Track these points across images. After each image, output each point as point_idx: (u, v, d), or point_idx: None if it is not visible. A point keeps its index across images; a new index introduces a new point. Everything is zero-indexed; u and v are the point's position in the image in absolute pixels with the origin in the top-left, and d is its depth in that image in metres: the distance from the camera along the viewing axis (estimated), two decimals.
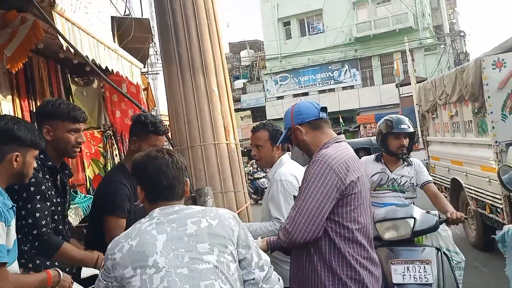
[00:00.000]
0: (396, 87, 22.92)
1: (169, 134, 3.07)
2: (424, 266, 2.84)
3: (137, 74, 5.11)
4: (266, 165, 3.10)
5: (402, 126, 3.54)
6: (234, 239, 1.77)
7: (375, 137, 4.08)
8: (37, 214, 2.18)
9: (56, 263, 2.21)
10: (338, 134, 2.45)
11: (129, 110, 6.30)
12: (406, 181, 3.58)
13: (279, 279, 1.87)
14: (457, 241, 3.84)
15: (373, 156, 3.78)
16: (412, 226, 3.03)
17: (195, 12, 3.16)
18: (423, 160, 6.39)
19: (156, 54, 14.94)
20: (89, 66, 3.45)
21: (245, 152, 19.41)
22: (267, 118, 26.44)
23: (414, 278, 2.83)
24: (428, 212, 3.17)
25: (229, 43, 36.56)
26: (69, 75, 5.77)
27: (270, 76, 31.92)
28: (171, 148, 2.81)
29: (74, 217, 4.32)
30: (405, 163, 3.62)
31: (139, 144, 2.72)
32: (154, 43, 9.80)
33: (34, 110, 4.71)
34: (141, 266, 1.64)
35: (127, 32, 5.86)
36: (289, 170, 2.92)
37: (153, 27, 7.25)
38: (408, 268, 2.86)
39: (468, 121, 5.98)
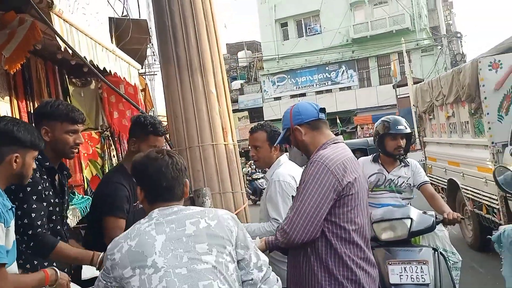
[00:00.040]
0: (393, 88, 22.99)
1: (167, 135, 3.08)
2: (421, 267, 2.86)
3: (135, 75, 5.11)
4: (264, 166, 3.11)
5: (399, 127, 3.56)
6: (233, 239, 1.77)
7: (371, 138, 4.10)
8: (33, 215, 2.17)
9: (54, 264, 2.22)
10: (336, 135, 2.46)
11: (127, 111, 6.30)
12: (403, 181, 3.59)
13: (277, 280, 1.89)
14: (454, 241, 3.86)
15: (370, 157, 3.79)
16: (409, 226, 3.04)
17: (193, 13, 3.17)
18: (420, 161, 6.42)
19: (154, 55, 14.92)
20: (87, 67, 3.45)
21: (243, 153, 19.43)
22: (265, 119, 26.48)
23: (411, 278, 2.84)
24: (424, 212, 3.18)
25: (226, 44, 36.57)
26: (66, 76, 5.76)
27: (268, 77, 31.94)
28: (170, 149, 2.81)
29: (71, 218, 4.31)
30: (402, 164, 3.63)
31: (139, 145, 2.72)
32: (152, 44, 9.81)
33: (32, 111, 4.71)
34: (140, 266, 1.65)
35: (125, 33, 5.86)
36: (287, 170, 2.93)
37: (150, 28, 7.26)
38: (405, 268, 2.87)
39: (465, 122, 6.01)
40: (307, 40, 30.70)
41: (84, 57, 3.31)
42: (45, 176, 2.31)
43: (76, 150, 2.49)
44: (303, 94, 30.47)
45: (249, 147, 3.24)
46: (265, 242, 2.32)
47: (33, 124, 2.41)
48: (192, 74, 3.12)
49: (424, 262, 2.87)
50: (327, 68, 30.41)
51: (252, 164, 14.69)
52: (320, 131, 2.34)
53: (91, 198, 5.10)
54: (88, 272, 2.24)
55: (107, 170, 6.10)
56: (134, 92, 6.02)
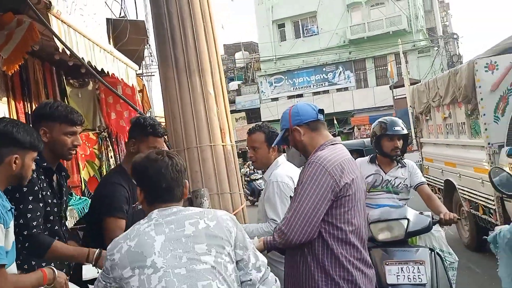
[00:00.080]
0: (390, 89, 23.03)
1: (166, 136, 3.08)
2: (418, 267, 2.87)
3: (133, 76, 5.11)
4: (262, 167, 3.12)
5: (396, 128, 3.57)
6: (232, 240, 1.78)
7: (368, 139, 4.12)
8: (29, 215, 2.18)
9: (52, 264, 2.22)
10: (333, 136, 2.47)
11: (124, 112, 6.29)
12: (400, 182, 3.61)
13: (276, 280, 1.89)
14: (451, 242, 3.88)
15: (367, 158, 3.81)
16: (405, 227, 3.06)
17: (191, 14, 3.18)
18: (416, 162, 6.43)
19: (151, 55, 14.92)
20: (85, 68, 3.46)
21: (240, 153, 19.44)
22: (262, 120, 26.50)
23: (408, 278, 2.86)
24: (421, 213, 3.20)
25: (224, 44, 36.59)
26: (64, 77, 5.75)
27: (265, 78, 31.96)
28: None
29: (69, 219, 4.31)
30: (399, 165, 3.65)
31: (138, 146, 2.73)
32: (149, 45, 9.81)
33: (29, 112, 4.71)
34: (140, 267, 1.65)
35: (123, 34, 5.87)
36: (285, 171, 2.94)
37: (148, 29, 7.26)
38: (402, 268, 2.89)
39: (461, 123, 6.04)
40: (304, 41, 30.74)
41: (82, 58, 3.31)
42: (42, 177, 2.31)
43: (74, 152, 2.50)
44: (300, 95, 30.50)
45: (247, 148, 3.25)
46: (263, 242, 2.32)
47: (31, 125, 2.41)
48: (190, 75, 3.13)
49: (421, 263, 2.89)
50: (324, 69, 30.45)
51: (251, 165, 14.69)
52: (318, 132, 2.35)
53: (88, 199, 5.11)
54: (89, 272, 2.24)
55: (104, 171, 6.10)
56: (131, 93, 6.01)
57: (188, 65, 3.13)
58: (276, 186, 2.85)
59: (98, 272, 2.22)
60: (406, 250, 3.03)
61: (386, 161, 3.66)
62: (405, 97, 16.32)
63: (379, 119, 3.77)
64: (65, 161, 3.17)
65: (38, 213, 2.23)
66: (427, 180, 5.74)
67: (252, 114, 31.60)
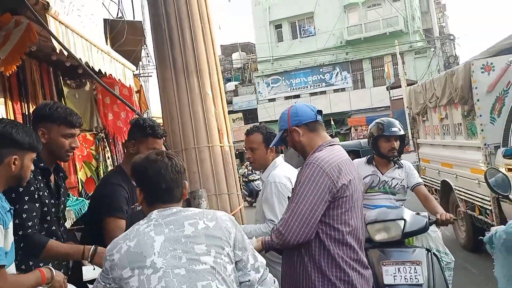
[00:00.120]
0: (387, 89, 23.06)
1: None
2: (415, 267, 2.89)
3: (130, 76, 5.11)
4: (260, 168, 3.13)
5: (393, 129, 3.59)
6: (231, 241, 1.79)
7: (364, 139, 4.13)
8: (24, 215, 2.18)
9: (50, 264, 2.22)
10: (330, 136, 2.48)
11: (122, 113, 6.29)
12: (397, 183, 3.62)
13: (274, 281, 1.90)
14: (447, 242, 3.89)
15: (364, 159, 3.82)
16: (402, 227, 3.08)
17: (189, 15, 3.19)
18: (413, 163, 6.46)
19: (148, 56, 14.89)
20: (82, 69, 3.45)
21: (237, 154, 19.44)
22: (259, 120, 26.51)
23: (405, 278, 2.87)
24: (418, 213, 3.21)
25: (221, 45, 36.54)
26: (61, 78, 5.75)
27: (262, 79, 31.96)
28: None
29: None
30: (396, 166, 3.66)
31: (138, 147, 2.73)
32: (146, 46, 9.79)
33: (27, 113, 4.70)
34: (139, 267, 1.66)
35: (120, 34, 5.87)
36: (282, 172, 2.95)
37: (145, 29, 7.26)
38: (399, 269, 2.90)
39: (458, 123, 6.06)
40: (301, 41, 30.76)
41: (80, 59, 3.31)
42: (39, 177, 2.31)
43: (71, 154, 2.50)
44: (298, 96, 30.51)
45: (244, 149, 3.26)
46: (261, 242, 2.33)
47: (31, 125, 2.42)
48: (188, 76, 3.14)
49: (418, 263, 2.91)
50: (321, 69, 30.48)
51: (249, 166, 14.69)
52: (317, 133, 2.36)
53: (85, 200, 5.10)
54: (89, 273, 2.24)
55: (101, 172, 6.10)
56: (129, 94, 6.01)
57: (186, 66, 3.14)
58: (274, 187, 2.86)
59: (94, 269, 2.23)
60: (403, 250, 3.04)
61: (383, 162, 3.67)
62: (402, 98, 16.32)
63: (376, 120, 3.78)
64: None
65: (34, 214, 2.23)
66: (424, 181, 5.75)
67: (249, 115, 31.60)
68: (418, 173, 4.16)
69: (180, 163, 1.87)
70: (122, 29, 5.86)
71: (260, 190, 3.25)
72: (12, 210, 1.84)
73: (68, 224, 4.32)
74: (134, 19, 7.65)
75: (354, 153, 9.20)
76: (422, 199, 3.59)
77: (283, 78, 31.30)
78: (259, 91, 32.00)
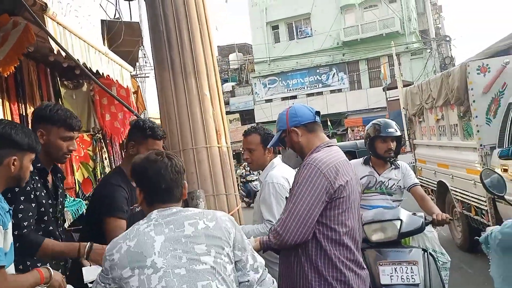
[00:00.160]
0: (383, 90, 23.11)
1: None
2: (411, 267, 2.91)
3: (127, 77, 5.11)
4: (258, 168, 3.14)
5: (390, 130, 3.61)
6: (231, 241, 1.80)
7: (360, 140, 4.15)
8: (20, 215, 2.18)
9: (48, 264, 2.23)
10: (327, 137, 2.49)
11: (119, 114, 6.29)
12: (394, 184, 3.64)
13: (273, 282, 1.91)
14: (443, 242, 3.92)
15: (361, 160, 3.84)
16: (399, 227, 3.10)
17: (187, 16, 3.20)
18: (410, 163, 6.48)
19: (145, 57, 14.89)
20: (79, 69, 3.46)
21: (235, 155, 19.44)
22: (256, 121, 26.53)
23: (402, 278, 2.89)
24: (414, 214, 3.23)
25: (217, 46, 36.54)
26: (58, 79, 5.74)
27: (259, 79, 31.99)
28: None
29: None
30: (393, 166, 3.68)
31: (137, 148, 2.73)
32: (143, 46, 9.80)
33: (24, 114, 4.70)
34: (139, 267, 1.67)
35: (117, 35, 5.87)
36: (280, 172, 2.96)
37: (142, 30, 7.26)
38: (395, 269, 2.92)
39: (454, 124, 6.09)
40: (298, 42, 30.81)
41: (77, 59, 3.31)
42: (36, 177, 2.31)
43: (69, 156, 2.51)
44: (294, 97, 30.55)
45: (241, 150, 3.27)
46: (259, 242, 2.34)
47: (30, 126, 2.42)
48: (186, 77, 3.15)
49: (414, 263, 2.93)
50: (318, 70, 30.53)
51: (247, 166, 14.69)
52: (315, 133, 2.37)
53: (82, 201, 5.10)
54: (89, 274, 2.24)
55: (98, 173, 6.09)
56: (126, 95, 6.01)
57: (184, 67, 3.15)
58: (272, 187, 2.87)
59: (90, 265, 2.23)
60: (400, 250, 3.06)
61: (380, 163, 3.69)
62: (398, 99, 16.38)
63: (373, 121, 3.80)
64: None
65: (30, 214, 2.23)
66: (420, 181, 5.78)
67: (246, 116, 31.62)
68: (415, 173, 4.19)
69: (180, 163, 1.88)
70: (120, 30, 5.86)
71: (258, 191, 3.26)
72: (11, 210, 1.85)
73: (65, 225, 4.32)
74: (131, 20, 7.65)
75: (350, 154, 9.24)
76: (419, 199, 3.61)
77: (279, 79, 31.34)
78: (256, 92, 32.03)
